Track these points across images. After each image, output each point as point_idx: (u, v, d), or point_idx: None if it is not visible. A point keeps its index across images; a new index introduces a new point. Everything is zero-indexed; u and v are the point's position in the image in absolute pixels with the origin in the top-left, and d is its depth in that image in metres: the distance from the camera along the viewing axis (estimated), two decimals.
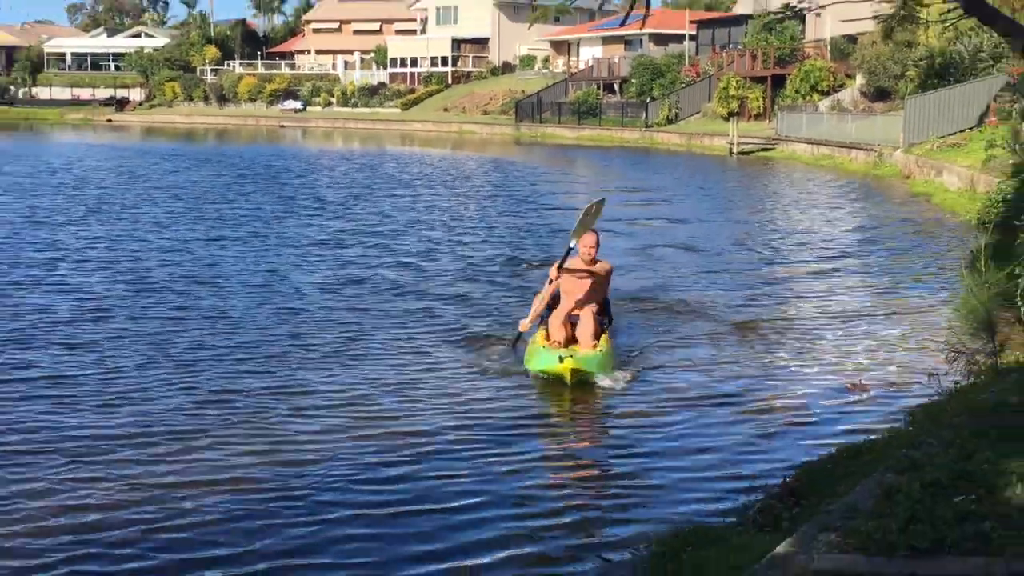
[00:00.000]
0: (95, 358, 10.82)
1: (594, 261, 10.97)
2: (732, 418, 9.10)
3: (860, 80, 46.52)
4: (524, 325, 11.13)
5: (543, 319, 11.10)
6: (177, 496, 7.20)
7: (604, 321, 11.08)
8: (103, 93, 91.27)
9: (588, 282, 10.94)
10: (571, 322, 10.69)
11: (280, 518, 6.88)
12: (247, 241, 19.64)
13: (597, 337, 10.50)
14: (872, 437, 7.95)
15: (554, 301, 11.13)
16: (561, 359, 9.73)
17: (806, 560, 4.75)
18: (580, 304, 10.84)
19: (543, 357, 10.13)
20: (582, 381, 9.90)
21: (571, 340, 10.56)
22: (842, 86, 48.77)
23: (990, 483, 5.10)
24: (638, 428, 8.99)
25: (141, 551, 6.40)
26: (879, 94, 44.26)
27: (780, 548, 5.01)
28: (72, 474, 7.61)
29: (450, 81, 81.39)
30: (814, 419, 9.12)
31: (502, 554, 6.43)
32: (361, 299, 14.16)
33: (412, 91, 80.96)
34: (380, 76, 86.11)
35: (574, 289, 10.95)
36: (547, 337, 10.65)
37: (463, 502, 7.21)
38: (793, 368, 10.84)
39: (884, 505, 5.17)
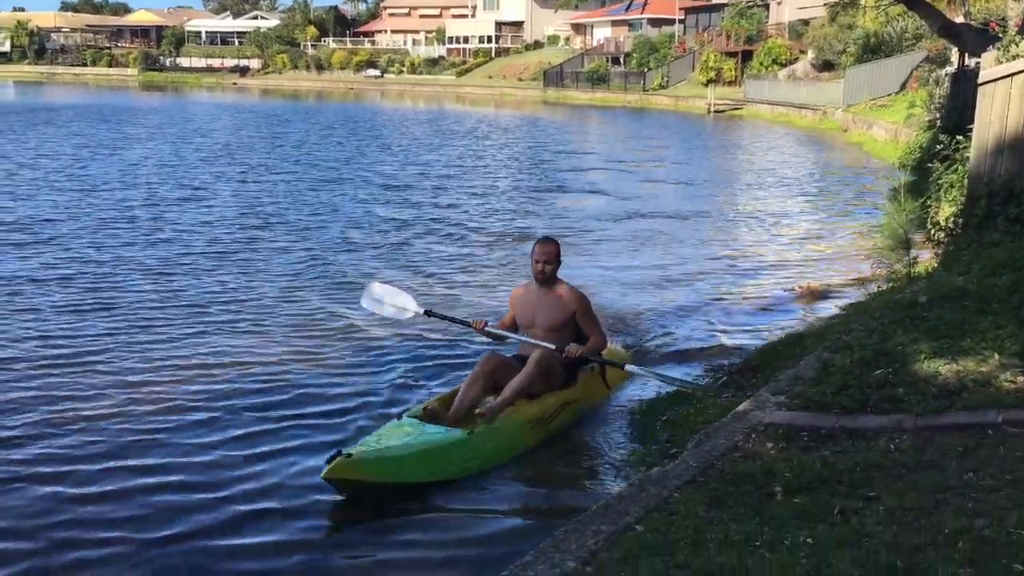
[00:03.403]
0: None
1: (547, 279, 6.09)
2: (703, 314, 8.94)
3: (811, 55, 45.46)
4: (478, 324, 6.32)
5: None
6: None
7: (591, 369, 6.29)
8: (230, 62, 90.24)
9: (543, 310, 6.09)
10: (521, 366, 5.90)
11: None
12: (334, 181, 18.92)
13: (530, 396, 5.79)
14: (812, 327, 7.89)
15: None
16: (331, 459, 4.74)
17: (761, 415, 4.75)
18: (534, 344, 6.00)
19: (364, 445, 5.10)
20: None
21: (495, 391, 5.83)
22: (796, 59, 47.66)
23: (903, 360, 5.06)
24: (622, 330, 8.21)
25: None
26: (825, 66, 43.26)
27: (741, 406, 5.01)
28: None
29: (493, 55, 79.99)
30: (769, 314, 9.05)
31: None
32: (431, 224, 14.09)
33: (464, 62, 79.70)
34: (440, 51, 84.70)
35: (525, 319, 6.21)
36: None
37: None
38: (753, 276, 10.75)
39: (822, 375, 5.15)
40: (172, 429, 5.79)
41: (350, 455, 4.78)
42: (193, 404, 6.18)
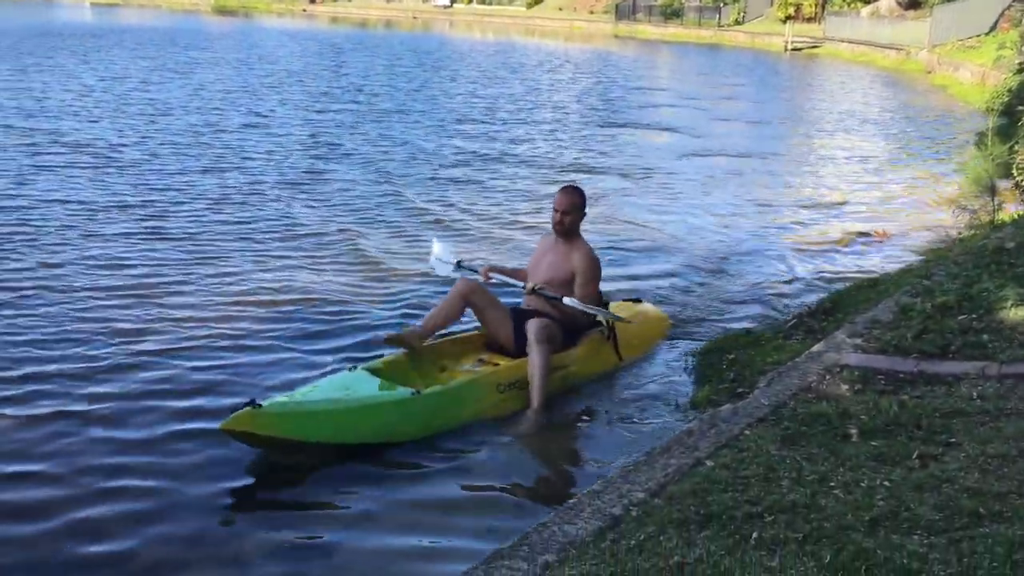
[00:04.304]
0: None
1: (567, 232, 5.48)
2: (775, 256, 8.74)
3: None
4: (484, 271, 5.74)
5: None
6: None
7: (599, 333, 5.71)
8: None
9: (547, 263, 5.54)
10: (513, 320, 5.43)
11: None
12: (399, 112, 18.69)
13: (512, 355, 5.33)
14: (889, 272, 7.70)
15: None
16: (236, 409, 4.21)
17: (836, 357, 4.66)
18: (538, 295, 5.46)
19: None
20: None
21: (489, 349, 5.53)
22: None
23: (988, 306, 4.92)
24: (692, 268, 8.12)
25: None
26: (911, 3, 41.66)
27: (816, 347, 4.93)
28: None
29: None
30: (843, 258, 8.86)
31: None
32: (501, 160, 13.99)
33: None
34: None
35: (531, 267, 5.68)
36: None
37: None
38: (827, 219, 10.52)
39: (900, 319, 5.03)
40: (229, 363, 5.60)
41: (259, 406, 4.16)
42: (252, 337, 6.01)
